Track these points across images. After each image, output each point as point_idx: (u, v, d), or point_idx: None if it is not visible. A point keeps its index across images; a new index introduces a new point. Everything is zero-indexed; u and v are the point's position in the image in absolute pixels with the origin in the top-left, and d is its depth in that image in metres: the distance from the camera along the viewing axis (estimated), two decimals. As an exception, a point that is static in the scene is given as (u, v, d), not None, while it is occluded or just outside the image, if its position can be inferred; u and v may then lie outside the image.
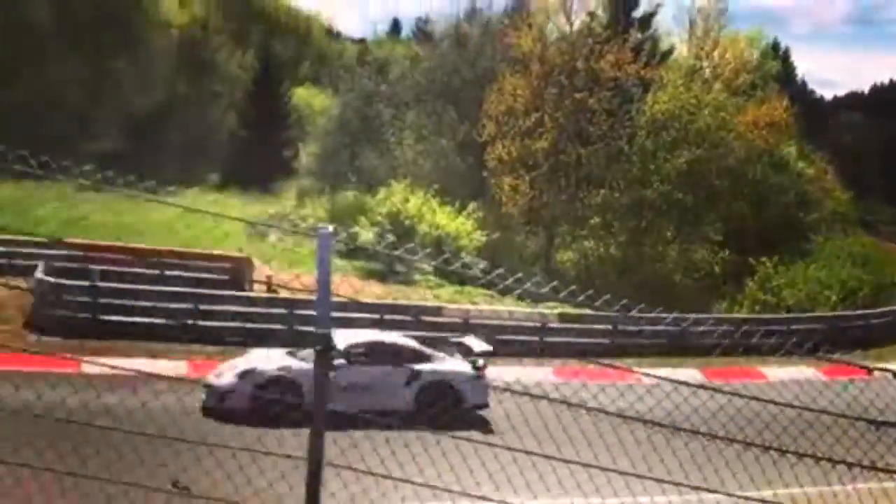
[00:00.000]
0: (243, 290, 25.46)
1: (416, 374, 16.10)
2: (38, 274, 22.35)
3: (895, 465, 6.92)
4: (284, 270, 28.50)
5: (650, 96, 42.77)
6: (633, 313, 6.50)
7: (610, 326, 24.98)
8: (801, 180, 48.56)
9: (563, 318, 25.24)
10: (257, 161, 47.57)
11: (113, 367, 6.70)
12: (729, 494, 6.75)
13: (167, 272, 24.57)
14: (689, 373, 19.63)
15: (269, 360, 16.18)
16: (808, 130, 53.31)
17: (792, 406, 5.84)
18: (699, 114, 42.57)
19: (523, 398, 5.94)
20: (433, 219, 37.33)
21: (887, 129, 77.30)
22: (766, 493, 8.38)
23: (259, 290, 25.49)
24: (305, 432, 4.87)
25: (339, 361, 15.45)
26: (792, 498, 8.69)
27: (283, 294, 23.61)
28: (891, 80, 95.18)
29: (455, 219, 38.26)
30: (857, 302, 35.00)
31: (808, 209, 47.60)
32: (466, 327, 23.48)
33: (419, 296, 29.92)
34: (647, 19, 48.66)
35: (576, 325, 24.89)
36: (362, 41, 70.19)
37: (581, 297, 5.79)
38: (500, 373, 15.82)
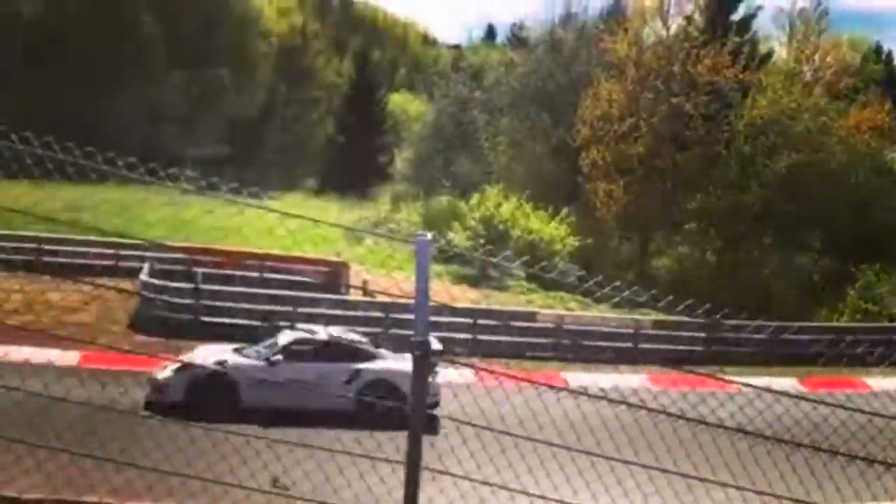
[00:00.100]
0: (340, 293, 25.87)
1: (357, 373, 15.66)
2: (143, 276, 23.12)
3: None
4: (380, 274, 28.84)
5: (749, 100, 41.90)
6: (732, 321, 6.44)
7: (706, 334, 24.56)
8: (904, 185, 46.85)
9: (657, 324, 24.91)
10: (354, 166, 48.34)
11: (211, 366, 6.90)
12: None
13: (266, 275, 25.15)
14: (788, 382, 19.12)
15: (208, 355, 16.02)
16: (912, 134, 51.39)
17: (898, 419, 5.70)
18: (799, 118, 41.51)
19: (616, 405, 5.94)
20: (526, 224, 37.26)
21: None
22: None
23: (355, 294, 25.84)
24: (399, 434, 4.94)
25: (276, 357, 15.55)
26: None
27: (379, 297, 23.88)
28: None
29: (548, 224, 38.12)
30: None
31: (913, 214, 45.89)
32: (560, 333, 23.43)
33: (513, 301, 29.90)
34: (745, 22, 47.62)
35: (671, 333, 24.54)
36: (457, 47, 70.70)
37: (680, 307, 5.77)
38: (596, 379, 15.65)
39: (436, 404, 15.40)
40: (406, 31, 70.03)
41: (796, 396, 6.21)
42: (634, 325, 25.02)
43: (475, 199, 38.63)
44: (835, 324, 32.44)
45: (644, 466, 5.64)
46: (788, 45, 49.86)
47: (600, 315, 25.68)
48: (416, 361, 5.20)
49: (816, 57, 47.45)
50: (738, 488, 5.91)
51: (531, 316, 25.03)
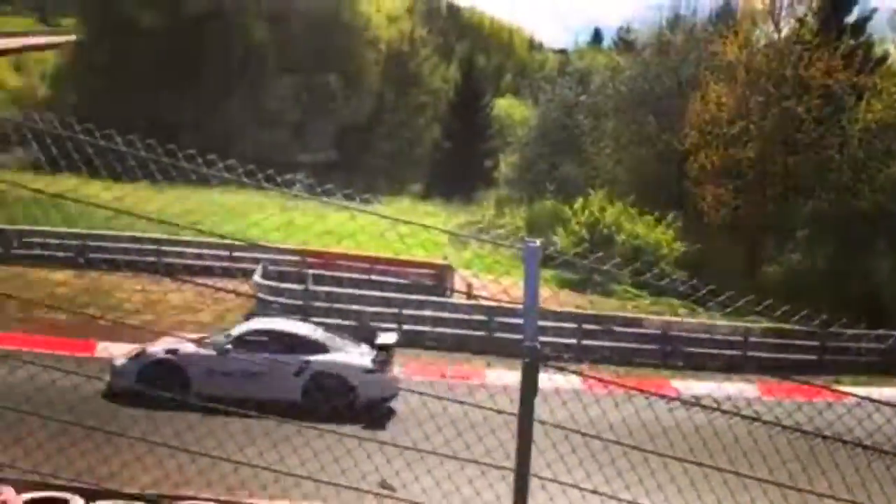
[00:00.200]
0: (445, 296, 26.11)
1: (307, 364, 15.67)
2: (257, 277, 23.80)
3: None
4: (488, 279, 28.98)
5: (863, 104, 40.60)
6: (850, 331, 6.32)
7: (818, 343, 23.93)
8: None
9: (767, 332, 24.37)
10: (459, 171, 48.65)
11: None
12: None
13: (374, 277, 25.57)
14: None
15: (163, 342, 16.14)
16: None
17: None
18: (917, 122, 40.01)
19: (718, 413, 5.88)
20: (632, 228, 36.92)
21: None
22: None
23: (460, 297, 26.03)
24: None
25: (226, 347, 15.68)
26: None
27: (483, 301, 24.00)
28: None
29: (654, 228, 37.68)
30: None
31: None
32: (666, 339, 23.20)
33: (618, 306, 29.64)
34: (860, 25, 46.09)
35: (781, 340, 23.99)
36: (563, 52, 70.47)
37: (796, 317, 5.68)
38: (706, 388, 15.40)
39: (393, 396, 15.54)
40: (512, 37, 70.14)
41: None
42: (744, 332, 24.56)
43: (579, 203, 38.43)
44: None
45: (759, 480, 5.58)
46: (904, 48, 48.12)
47: (709, 322, 25.26)
48: (526, 367, 5.20)
49: (935, 59, 45.69)
50: (836, 500, 5.79)
51: (637, 322, 24.82)
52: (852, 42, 42.08)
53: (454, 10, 68.11)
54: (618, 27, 72.73)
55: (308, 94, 51.39)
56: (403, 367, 17.78)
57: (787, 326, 22.79)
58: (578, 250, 31.03)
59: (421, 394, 6.45)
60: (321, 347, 16.17)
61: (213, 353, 15.60)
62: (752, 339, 24.39)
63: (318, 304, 22.40)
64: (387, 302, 22.99)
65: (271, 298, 22.52)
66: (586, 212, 37.42)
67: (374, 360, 16.08)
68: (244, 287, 22.61)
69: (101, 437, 7.62)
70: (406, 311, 23.13)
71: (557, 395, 7.53)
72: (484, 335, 22.63)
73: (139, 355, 15.76)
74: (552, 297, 26.54)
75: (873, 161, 39.74)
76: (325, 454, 8.09)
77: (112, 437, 7.43)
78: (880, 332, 23.23)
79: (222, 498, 7.37)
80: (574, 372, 10.99)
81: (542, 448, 5.68)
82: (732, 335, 24.53)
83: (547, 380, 5.53)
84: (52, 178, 8.05)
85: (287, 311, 21.95)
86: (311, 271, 24.46)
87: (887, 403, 5.98)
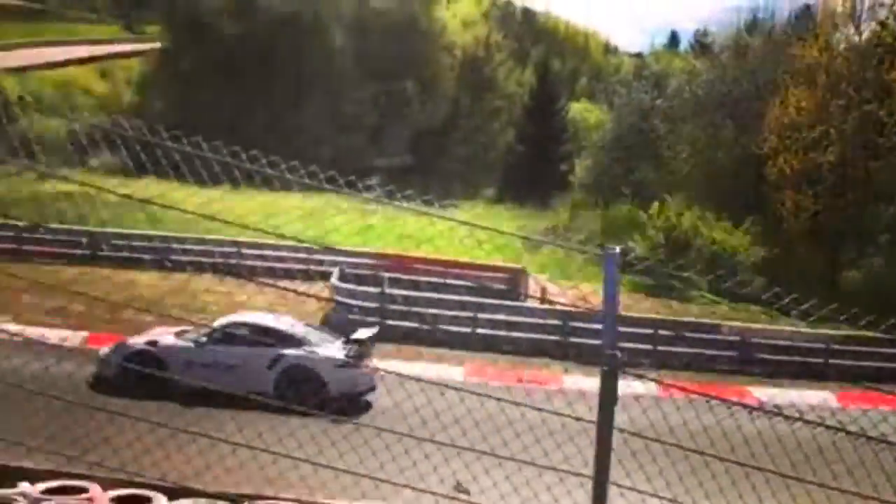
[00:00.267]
0: (519, 300, 26.14)
1: (279, 358, 15.84)
2: (334, 280, 24.16)
3: None
4: (567, 286, 28.95)
5: (948, 108, 39.48)
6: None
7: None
8: None
9: (849, 339, 23.83)
10: (533, 175, 48.53)
11: (399, 374, 7.17)
12: None
13: (449, 281, 25.72)
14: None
15: (155, 335, 16.46)
16: None
17: None
18: None
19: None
20: (709, 233, 36.48)
21: None
22: None
23: (534, 302, 26.05)
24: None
25: (202, 339, 16.05)
26: None
27: (558, 306, 24.00)
28: None
29: (731, 234, 37.14)
30: None
31: None
32: (745, 345, 22.89)
33: (696, 312, 29.27)
34: (942, 27, 44.74)
35: (863, 348, 23.43)
36: (639, 55, 69.81)
37: (884, 326, 5.62)
38: (787, 397, 15.17)
39: (370, 390, 15.75)
40: (587, 40, 69.72)
41: None
42: (826, 340, 24.05)
43: (655, 208, 38.09)
44: None
45: (842, 491, 5.53)
46: None
47: (788, 328, 24.81)
48: (605, 375, 5.21)
49: None
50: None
51: (715, 328, 24.51)
52: (937, 44, 40.94)
53: (529, 15, 68.04)
54: (694, 30, 71.93)
55: (385, 99, 51.89)
56: (477, 372, 17.79)
57: (870, 334, 22.26)
58: (655, 256, 30.77)
59: (499, 399, 6.49)
60: (298, 341, 16.42)
61: (192, 345, 16.11)
62: (834, 346, 23.89)
63: (393, 307, 22.64)
64: (461, 306, 23.13)
65: (349, 301, 22.84)
66: (662, 217, 37.06)
67: (347, 355, 16.15)
68: (324, 291, 22.96)
69: (185, 438, 7.82)
70: (480, 315, 23.24)
71: (637, 402, 7.53)
72: (559, 339, 22.59)
73: (119, 346, 16.33)
74: (633, 304, 26.38)
75: (957, 166, 38.67)
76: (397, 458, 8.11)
77: (197, 437, 7.61)
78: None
79: (303, 499, 7.52)
80: (653, 380, 10.98)
81: (620, 455, 5.69)
82: (813, 342, 24.06)
83: (626, 386, 5.56)
84: (139, 181, 8.29)
85: (363, 313, 22.23)
86: (387, 275, 24.74)
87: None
